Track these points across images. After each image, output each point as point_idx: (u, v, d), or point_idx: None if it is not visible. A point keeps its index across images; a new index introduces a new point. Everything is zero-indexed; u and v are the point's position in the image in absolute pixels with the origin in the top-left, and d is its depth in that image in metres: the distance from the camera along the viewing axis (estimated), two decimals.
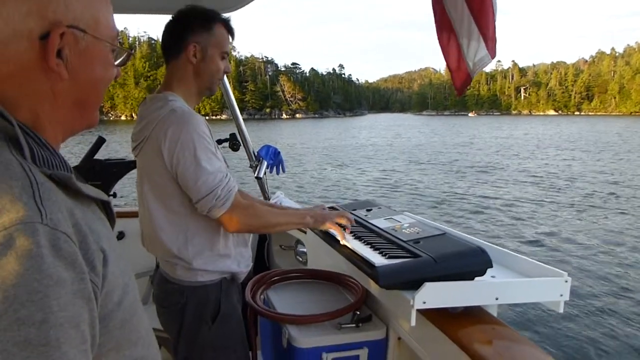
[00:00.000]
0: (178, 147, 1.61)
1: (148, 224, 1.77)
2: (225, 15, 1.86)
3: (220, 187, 1.63)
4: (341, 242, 1.85)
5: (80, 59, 0.73)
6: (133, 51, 0.87)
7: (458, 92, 1.87)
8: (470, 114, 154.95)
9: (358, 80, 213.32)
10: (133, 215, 3.15)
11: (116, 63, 0.82)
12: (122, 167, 3.20)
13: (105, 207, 0.79)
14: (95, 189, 0.75)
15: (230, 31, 1.82)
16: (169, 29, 1.78)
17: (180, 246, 1.72)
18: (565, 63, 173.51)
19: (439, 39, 1.82)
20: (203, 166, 1.61)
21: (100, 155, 3.22)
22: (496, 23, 1.74)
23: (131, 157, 3.33)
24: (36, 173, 0.63)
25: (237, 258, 1.82)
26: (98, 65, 0.76)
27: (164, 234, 1.72)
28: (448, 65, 1.83)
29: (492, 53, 1.77)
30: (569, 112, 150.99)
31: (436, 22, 1.80)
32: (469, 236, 1.82)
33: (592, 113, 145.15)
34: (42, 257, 0.55)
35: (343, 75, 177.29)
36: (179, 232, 1.72)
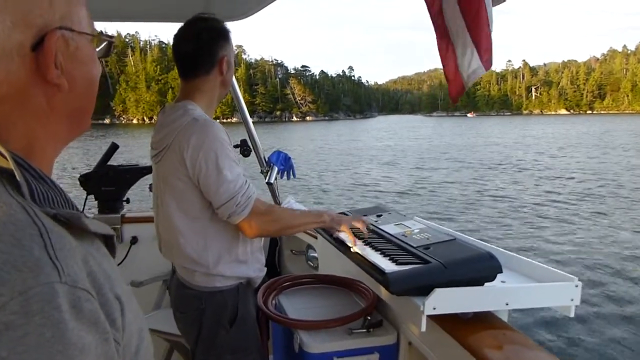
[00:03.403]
0: (201, 155, 1.65)
1: (167, 231, 1.81)
2: (236, 23, 1.91)
3: (240, 194, 1.67)
4: (352, 249, 1.87)
5: (74, 63, 0.64)
6: (113, 39, 0.74)
7: (453, 100, 1.94)
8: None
9: (367, 82, 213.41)
10: (146, 220, 3.21)
11: (99, 56, 0.71)
12: (135, 173, 3.25)
13: (107, 241, 0.69)
14: (100, 223, 0.65)
15: None
16: (193, 45, 1.77)
17: (200, 252, 1.75)
18: (576, 61, 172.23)
19: (439, 49, 1.86)
20: (224, 174, 1.65)
21: (114, 158, 3.27)
22: (491, 35, 1.79)
23: (143, 162, 3.39)
24: (42, 217, 0.54)
25: (253, 264, 1.86)
26: (90, 64, 0.68)
27: (183, 240, 1.76)
28: (446, 75, 1.88)
29: (487, 65, 1.82)
30: (580, 111, 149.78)
31: (437, 32, 1.84)
32: (478, 241, 1.83)
33: (605, 111, 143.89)
34: (65, 324, 0.47)
35: (353, 77, 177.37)
36: (199, 238, 1.75)
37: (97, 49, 0.71)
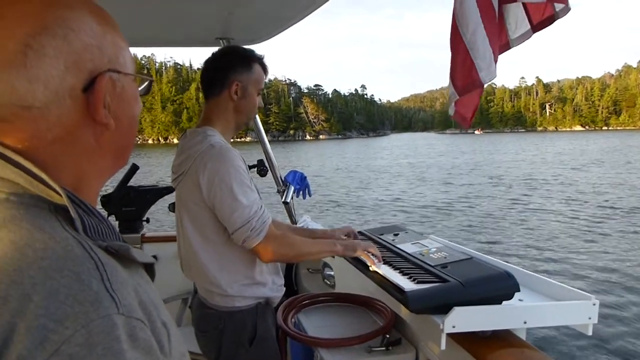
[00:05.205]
0: (216, 181, 1.69)
1: (186, 251, 1.86)
2: (252, 46, 1.97)
3: (255, 219, 1.70)
4: (371, 269, 1.89)
5: (120, 103, 0.67)
6: (153, 78, 0.80)
7: (466, 123, 2.02)
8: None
9: (380, 100, 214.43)
10: (165, 239, 3.26)
11: (140, 94, 0.75)
12: (155, 193, 3.32)
13: (147, 268, 0.72)
14: (143, 252, 0.69)
15: (265, 69, 1.93)
16: (211, 66, 1.87)
17: (215, 273, 1.79)
18: (590, 78, 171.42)
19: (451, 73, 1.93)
20: (239, 199, 1.69)
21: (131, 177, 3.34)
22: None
23: (163, 183, 3.46)
24: (97, 250, 0.57)
25: (270, 285, 1.89)
26: (133, 103, 0.71)
27: (200, 262, 1.80)
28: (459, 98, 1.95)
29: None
30: (596, 128, 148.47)
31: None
32: (495, 259, 1.85)
33: (621, 127, 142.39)
34: (123, 354, 0.50)
35: (365, 96, 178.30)
36: (215, 260, 1.80)
37: (139, 88, 0.75)
